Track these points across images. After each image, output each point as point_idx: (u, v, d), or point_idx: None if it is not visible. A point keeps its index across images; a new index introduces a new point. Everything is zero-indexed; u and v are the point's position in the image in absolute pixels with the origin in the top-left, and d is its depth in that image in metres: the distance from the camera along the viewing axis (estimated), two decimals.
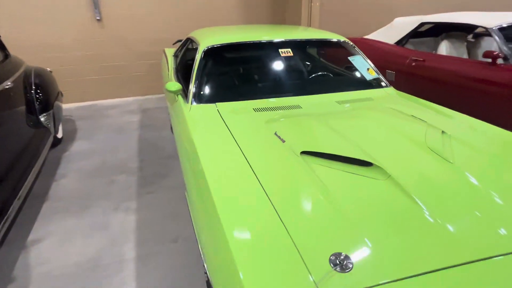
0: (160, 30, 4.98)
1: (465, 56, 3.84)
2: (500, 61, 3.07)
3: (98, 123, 4.19)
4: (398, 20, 4.19)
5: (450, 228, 1.00)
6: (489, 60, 3.08)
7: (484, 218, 1.04)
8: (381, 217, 1.04)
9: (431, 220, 1.03)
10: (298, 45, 2.35)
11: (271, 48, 2.30)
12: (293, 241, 0.95)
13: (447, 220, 1.03)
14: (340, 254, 0.92)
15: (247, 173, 1.26)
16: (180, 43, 4.95)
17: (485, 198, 1.12)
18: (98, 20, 4.67)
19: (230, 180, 1.23)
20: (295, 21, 5.17)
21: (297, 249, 0.93)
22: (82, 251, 2.06)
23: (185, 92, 2.25)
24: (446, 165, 1.30)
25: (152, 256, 2.01)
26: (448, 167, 1.29)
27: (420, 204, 1.09)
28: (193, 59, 3.26)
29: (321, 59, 3.06)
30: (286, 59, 2.32)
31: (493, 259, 0.91)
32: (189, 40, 2.87)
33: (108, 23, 4.74)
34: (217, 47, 2.24)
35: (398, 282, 0.85)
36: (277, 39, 2.31)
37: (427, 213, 1.05)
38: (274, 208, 1.07)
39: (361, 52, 2.48)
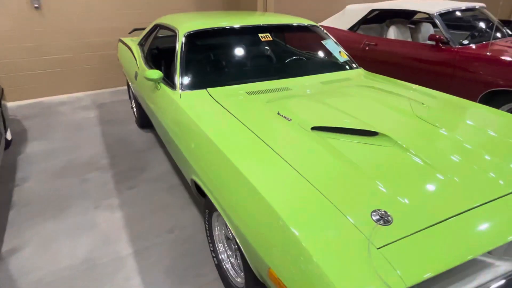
0: (108, 19, 4.66)
1: (410, 39, 4.25)
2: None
3: (49, 122, 3.83)
4: (349, 8, 4.46)
5: (457, 180, 1.17)
6: (433, 42, 3.46)
7: (480, 169, 1.23)
8: (401, 176, 1.17)
9: (441, 176, 1.19)
10: (276, 30, 2.41)
11: (251, 33, 2.33)
12: (335, 206, 1.03)
13: (454, 174, 1.20)
14: (379, 210, 1.03)
15: (268, 151, 1.31)
16: (140, 31, 4.70)
17: (475, 153, 1.32)
18: (36, 8, 4.21)
19: (255, 160, 1.27)
20: (251, 7, 5.21)
21: (341, 212, 1.01)
22: (72, 253, 1.93)
23: (166, 80, 2.19)
24: (435, 129, 1.49)
25: (151, 249, 1.96)
26: (437, 130, 1.48)
27: (429, 163, 1.25)
28: (168, 46, 3.16)
29: (287, 44, 3.17)
30: (268, 43, 2.38)
31: (495, 200, 1.10)
32: (158, 27, 2.76)
33: (49, 11, 4.30)
34: (198, 32, 2.21)
35: (430, 228, 0.99)
36: (256, 24, 2.35)
37: (436, 170, 1.22)
38: (307, 180, 1.14)
39: (331, 36, 2.63)
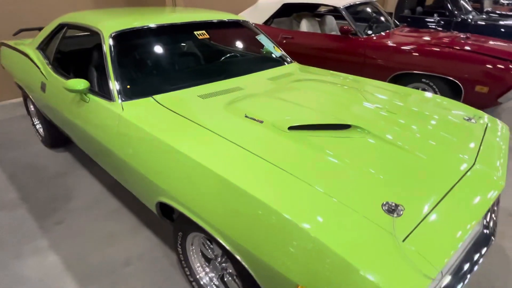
0: None
1: (319, 31, 4.55)
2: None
3: None
4: (261, 2, 4.53)
5: (435, 160, 1.28)
6: (344, 34, 3.77)
7: (447, 148, 1.37)
8: (390, 165, 1.22)
9: (424, 156, 1.28)
10: (210, 27, 2.26)
11: (186, 31, 2.14)
12: (349, 207, 1.01)
13: (429, 155, 1.30)
14: (387, 203, 1.04)
15: (254, 159, 1.21)
16: (31, 32, 3.90)
17: (435, 134, 1.47)
18: None
19: (246, 171, 1.15)
20: (158, 3, 4.84)
21: (355, 211, 1.00)
22: None
23: (94, 90, 1.85)
24: (394, 116, 1.60)
25: None
26: (396, 117, 1.60)
27: (406, 147, 1.33)
28: (84, 49, 2.66)
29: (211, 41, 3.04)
30: (205, 41, 2.21)
31: (468, 171, 1.24)
32: (65, 27, 2.31)
33: None
34: (126, 32, 1.91)
35: (436, 208, 1.05)
36: (189, 20, 2.16)
37: (414, 153, 1.30)
38: (311, 185, 1.09)
39: (263, 32, 2.61)
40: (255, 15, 4.56)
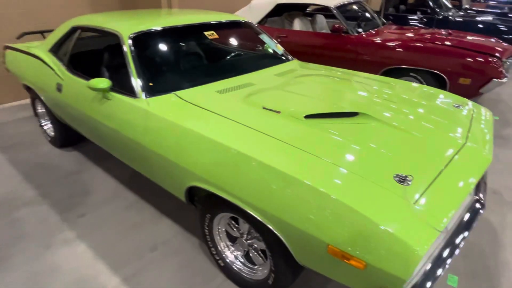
0: None
1: (311, 30, 4.75)
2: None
3: None
4: (255, 2, 4.70)
5: (434, 139, 1.48)
6: (336, 32, 3.98)
7: (443, 129, 1.58)
8: (395, 145, 1.41)
9: (424, 137, 1.49)
10: (218, 28, 2.42)
11: (198, 31, 2.28)
12: (364, 177, 1.20)
13: (429, 136, 1.51)
14: (398, 175, 1.23)
15: (280, 144, 1.38)
16: (36, 35, 3.96)
17: (431, 119, 1.67)
18: None
19: (276, 153, 1.32)
20: (151, 5, 4.94)
21: (374, 183, 1.18)
22: None
23: (116, 88, 1.98)
24: (394, 104, 1.81)
25: (140, 274, 1.80)
26: (396, 105, 1.80)
27: (409, 130, 1.53)
28: (101, 50, 2.76)
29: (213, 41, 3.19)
30: (214, 41, 2.37)
31: (462, 148, 1.45)
32: (78, 30, 2.42)
33: None
34: (144, 33, 2.05)
35: (438, 177, 1.25)
36: (200, 22, 2.31)
37: (417, 134, 1.50)
38: (335, 164, 1.26)
39: (264, 31, 2.78)
40: (249, 15, 4.72)
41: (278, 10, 4.97)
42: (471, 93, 3.38)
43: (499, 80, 3.20)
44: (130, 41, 1.98)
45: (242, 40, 2.74)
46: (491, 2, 9.64)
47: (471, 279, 1.76)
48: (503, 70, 3.24)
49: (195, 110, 1.69)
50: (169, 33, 2.17)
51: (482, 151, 1.50)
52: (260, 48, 2.70)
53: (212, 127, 1.52)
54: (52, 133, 3.07)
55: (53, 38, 2.62)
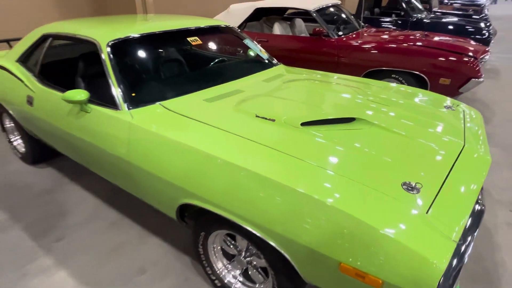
0: None
1: (290, 33, 4.73)
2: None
3: None
4: (234, 7, 4.62)
5: (433, 143, 1.45)
6: (317, 36, 3.97)
7: (440, 132, 1.55)
8: (397, 151, 1.36)
9: (423, 141, 1.45)
10: (200, 33, 2.31)
11: (180, 37, 2.17)
12: (377, 190, 1.13)
13: (428, 139, 1.47)
14: (405, 183, 1.18)
15: (275, 153, 1.29)
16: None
17: (427, 122, 1.65)
18: None
19: (274, 164, 1.24)
20: (125, 10, 4.75)
21: (383, 193, 1.12)
22: None
23: (94, 100, 1.84)
24: (389, 108, 1.77)
25: None
26: (391, 108, 1.76)
27: (408, 135, 1.49)
28: (75, 60, 2.57)
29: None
30: (197, 47, 2.26)
31: (462, 151, 1.42)
32: (50, 38, 2.24)
33: None
34: (124, 40, 1.91)
35: (445, 183, 1.20)
36: (182, 27, 2.19)
37: (417, 139, 1.46)
38: (337, 173, 1.19)
39: (248, 36, 2.70)
40: (228, 20, 4.64)
41: (256, 15, 4.93)
42: (451, 92, 3.45)
43: (477, 79, 3.28)
44: (108, 49, 1.84)
45: (227, 45, 2.65)
46: (455, 5, 10.09)
47: (472, 283, 1.74)
48: (481, 70, 3.32)
49: (183, 121, 1.58)
50: (150, 40, 2.04)
51: (481, 152, 1.48)
52: (246, 54, 2.61)
53: (204, 139, 1.42)
54: (23, 149, 2.84)
55: (21, 47, 2.42)
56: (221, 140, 1.40)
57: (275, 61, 2.64)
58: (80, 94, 1.74)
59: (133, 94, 1.76)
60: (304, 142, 1.38)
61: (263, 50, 2.68)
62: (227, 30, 2.56)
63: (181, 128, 1.52)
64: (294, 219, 1.11)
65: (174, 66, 2.24)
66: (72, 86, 2.20)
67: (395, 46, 3.59)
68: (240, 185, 1.23)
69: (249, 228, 1.23)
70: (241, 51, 2.62)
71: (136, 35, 1.97)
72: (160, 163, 1.47)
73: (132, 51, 1.97)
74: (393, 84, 2.24)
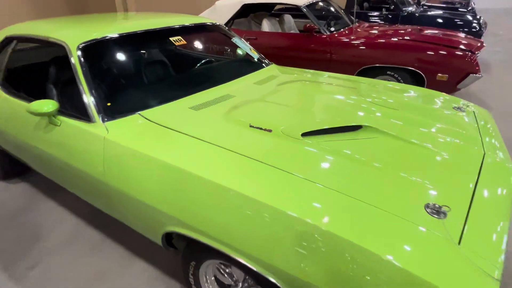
0: None
1: (280, 30, 4.54)
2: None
3: None
4: (219, 4, 4.40)
5: (447, 155, 1.28)
6: (308, 32, 3.79)
7: (456, 140, 1.39)
8: (413, 164, 1.20)
9: (440, 151, 1.28)
10: (184, 32, 2.10)
11: (160, 38, 1.96)
12: (391, 213, 0.96)
13: (445, 149, 1.31)
14: (429, 204, 1.01)
15: (275, 172, 1.11)
16: None
17: (440, 128, 1.49)
18: None
19: (268, 184, 1.05)
20: (104, 8, 4.48)
21: (400, 217, 0.95)
22: None
23: (65, 111, 1.62)
24: (396, 112, 1.60)
25: None
26: (398, 113, 1.59)
27: (422, 144, 1.32)
28: (36, 64, 2.32)
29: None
30: (182, 48, 2.05)
31: (483, 161, 1.26)
32: (14, 40, 2.00)
33: None
34: (97, 42, 1.69)
35: (472, 203, 1.04)
36: (164, 26, 1.98)
37: (432, 148, 1.30)
38: (347, 194, 1.02)
39: (237, 35, 2.50)
40: (214, 17, 4.42)
41: (244, 11, 4.72)
42: (449, 89, 3.32)
43: (475, 74, 3.16)
44: (79, 53, 1.61)
45: (214, 45, 2.44)
46: None
47: None
48: (479, 65, 3.21)
49: (167, 134, 1.38)
50: (128, 41, 1.82)
51: (501, 159, 1.32)
52: (235, 54, 2.42)
53: (191, 157, 1.22)
54: None
55: None
56: (211, 157, 1.21)
57: (266, 60, 2.46)
58: (48, 105, 1.52)
59: (109, 104, 1.54)
60: (307, 158, 1.19)
61: (253, 49, 2.48)
62: (214, 28, 2.36)
63: (164, 143, 1.32)
64: (299, 254, 0.93)
65: (155, 69, 2.02)
66: (41, 95, 1.96)
67: (390, 41, 3.45)
68: (236, 213, 1.04)
69: (246, 263, 1.05)
70: (230, 51, 2.43)
71: (111, 36, 1.75)
72: (140, 185, 1.27)
73: (107, 54, 1.75)
74: (397, 84, 2.08)
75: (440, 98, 1.88)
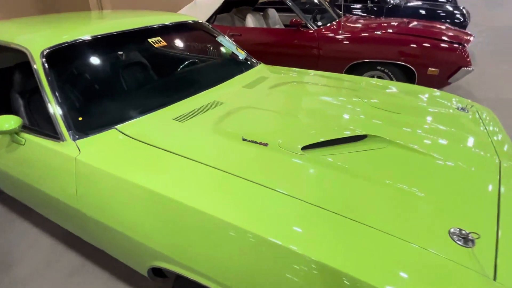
0: None
1: (264, 26, 4.37)
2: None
3: None
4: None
5: (464, 165, 1.17)
6: (294, 27, 3.63)
7: (467, 147, 1.27)
8: (428, 180, 1.07)
9: (455, 163, 1.16)
10: (163, 32, 1.91)
11: (137, 40, 1.77)
12: (411, 242, 0.83)
13: (458, 159, 1.19)
14: (454, 230, 0.88)
15: (275, 196, 0.97)
16: None
17: (449, 133, 1.37)
18: None
19: (280, 216, 0.91)
20: (79, 6, 4.19)
21: (422, 247, 0.82)
22: None
23: (30, 127, 1.42)
24: (401, 116, 1.48)
25: None
26: (403, 117, 1.47)
27: (433, 155, 1.20)
28: (2, 73, 2.07)
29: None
30: (161, 50, 1.87)
31: (500, 169, 1.15)
32: None
33: None
34: (65, 47, 1.49)
35: (499, 225, 0.92)
36: (142, 26, 1.79)
37: (445, 160, 1.18)
38: (360, 222, 0.89)
39: (221, 32, 2.33)
40: (195, 14, 4.20)
41: (226, 6, 4.52)
42: (440, 83, 3.25)
43: (467, 68, 3.10)
44: (43, 59, 1.41)
45: (197, 45, 2.26)
46: None
47: None
48: (470, 58, 3.14)
49: (150, 153, 1.21)
50: (100, 44, 1.62)
51: None
52: (219, 54, 2.24)
53: (177, 180, 1.06)
54: None
55: None
56: (202, 181, 1.05)
57: (254, 60, 2.30)
58: (9, 121, 1.32)
59: (80, 118, 1.36)
60: (309, 177, 1.05)
61: (239, 48, 2.32)
62: (196, 26, 2.18)
63: (147, 164, 1.15)
64: None
65: (133, 76, 1.83)
66: (3, 108, 1.74)
67: (380, 36, 3.34)
68: (233, 249, 0.89)
69: None
70: (214, 51, 2.25)
71: (82, 39, 1.55)
72: (120, 215, 1.10)
73: (77, 60, 1.55)
74: (395, 83, 1.96)
75: (442, 98, 1.77)
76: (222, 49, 2.26)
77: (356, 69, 3.52)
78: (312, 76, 2.06)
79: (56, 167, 1.27)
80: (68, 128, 1.30)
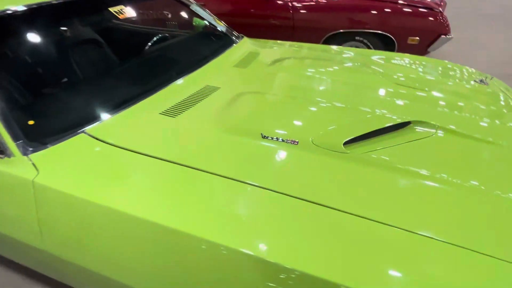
0: None
1: None
2: None
3: None
4: None
5: None
6: None
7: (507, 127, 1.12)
8: (490, 171, 0.89)
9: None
10: (124, 1, 1.50)
11: (97, 9, 1.35)
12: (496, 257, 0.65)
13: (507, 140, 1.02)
14: None
15: (328, 214, 0.72)
16: None
17: (486, 111, 1.20)
18: None
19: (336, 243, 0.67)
20: None
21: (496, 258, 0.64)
22: None
23: None
24: (433, 96, 1.28)
25: None
26: (437, 98, 1.27)
27: (488, 139, 1.02)
28: None
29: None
30: (130, 24, 1.46)
31: None
32: None
33: None
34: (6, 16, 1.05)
35: None
36: None
37: (498, 142, 1.00)
38: (439, 239, 0.68)
39: (192, 1, 1.94)
40: None
41: None
42: (419, 52, 3.15)
43: (447, 36, 3.02)
44: None
45: (170, 17, 1.86)
46: None
47: None
48: (449, 25, 3.06)
49: (139, 164, 0.88)
50: (47, 17, 1.18)
51: None
52: (196, 27, 1.87)
53: (181, 203, 0.76)
54: None
55: None
56: (216, 199, 0.77)
57: (235, 32, 1.97)
58: None
59: (31, 122, 0.97)
60: (365, 184, 0.81)
61: (217, 18, 1.96)
62: None
63: (136, 182, 0.82)
64: None
65: (97, 58, 1.40)
66: None
67: (360, 4, 3.12)
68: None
69: None
70: (192, 25, 1.87)
71: (20, 10, 1.11)
72: (101, 255, 0.79)
73: (15, 40, 1.11)
74: (404, 55, 1.76)
75: (456, 71, 1.61)
76: (198, 20, 1.89)
77: (333, 40, 3.30)
78: (307, 50, 1.79)
79: (7, 195, 0.89)
80: (15, 139, 0.91)
